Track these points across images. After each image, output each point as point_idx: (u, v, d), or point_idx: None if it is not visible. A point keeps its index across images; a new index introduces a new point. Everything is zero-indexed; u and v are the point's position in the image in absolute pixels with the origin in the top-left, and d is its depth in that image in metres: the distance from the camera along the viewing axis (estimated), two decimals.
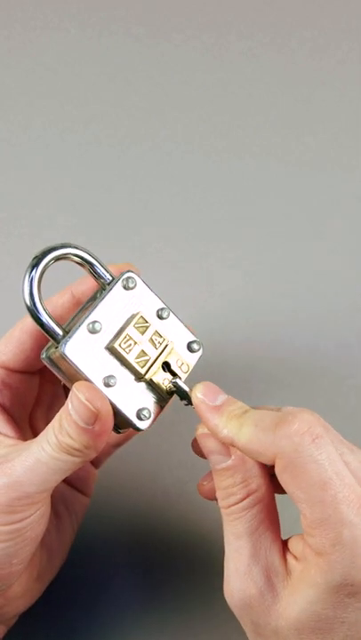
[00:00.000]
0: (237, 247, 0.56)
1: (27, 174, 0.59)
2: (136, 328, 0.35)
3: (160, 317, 0.36)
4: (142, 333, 0.35)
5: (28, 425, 0.40)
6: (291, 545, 0.32)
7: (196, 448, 0.35)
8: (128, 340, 0.34)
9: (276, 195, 0.58)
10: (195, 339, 0.37)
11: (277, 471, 0.30)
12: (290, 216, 0.57)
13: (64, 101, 0.62)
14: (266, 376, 0.50)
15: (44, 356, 0.34)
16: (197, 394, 0.33)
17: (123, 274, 0.35)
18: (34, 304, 0.34)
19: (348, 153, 0.60)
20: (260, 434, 0.31)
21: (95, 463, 0.42)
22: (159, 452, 0.46)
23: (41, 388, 0.40)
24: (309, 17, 0.66)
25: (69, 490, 0.40)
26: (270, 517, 0.33)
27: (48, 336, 0.34)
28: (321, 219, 0.57)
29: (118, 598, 0.42)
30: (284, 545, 0.33)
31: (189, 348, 0.36)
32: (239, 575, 0.32)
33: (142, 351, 0.34)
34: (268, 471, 0.33)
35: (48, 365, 0.34)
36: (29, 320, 0.36)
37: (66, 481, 0.40)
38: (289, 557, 0.32)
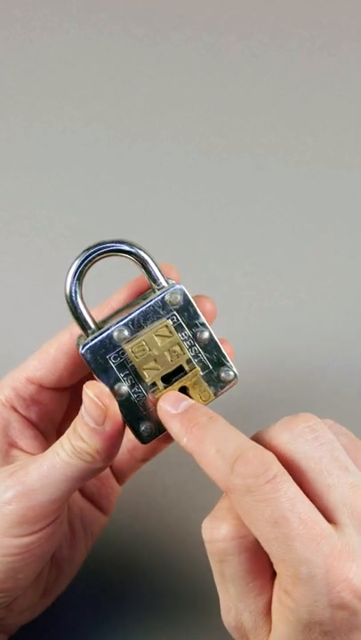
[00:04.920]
0: (237, 247, 0.56)
1: (27, 174, 0.59)
2: (156, 336, 0.34)
3: (197, 338, 0.35)
4: (161, 343, 0.34)
5: (56, 439, 0.39)
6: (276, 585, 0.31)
7: None
8: (142, 346, 0.34)
9: (275, 194, 0.58)
10: (229, 367, 0.35)
11: (232, 503, 0.30)
12: (290, 216, 0.57)
13: (64, 101, 0.62)
14: (265, 377, 0.50)
15: (76, 343, 0.35)
16: (160, 403, 0.33)
17: (170, 286, 0.35)
18: (73, 294, 0.34)
19: (348, 153, 0.60)
20: (218, 462, 0.30)
21: (120, 479, 0.41)
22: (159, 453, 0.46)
23: (71, 401, 0.39)
24: (309, 17, 0.66)
25: (90, 508, 0.40)
26: (260, 563, 0.31)
27: (80, 328, 0.34)
28: (321, 218, 0.57)
29: (117, 598, 0.42)
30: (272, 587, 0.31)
31: (219, 376, 0.35)
32: (230, 615, 0.31)
33: (154, 360, 0.34)
34: None
35: (79, 353, 0.35)
36: (66, 338, 0.36)
37: (88, 498, 0.40)
38: (274, 601, 0.31)
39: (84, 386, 0.33)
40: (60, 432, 0.40)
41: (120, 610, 0.42)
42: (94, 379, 0.35)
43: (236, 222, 0.57)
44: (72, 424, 0.34)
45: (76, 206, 0.57)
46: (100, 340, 0.33)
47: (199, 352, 0.35)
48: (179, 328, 0.34)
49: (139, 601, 0.42)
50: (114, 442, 0.33)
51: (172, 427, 0.32)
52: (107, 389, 0.33)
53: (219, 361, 0.35)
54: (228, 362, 0.35)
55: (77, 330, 0.36)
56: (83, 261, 0.35)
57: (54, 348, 0.37)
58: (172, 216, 0.57)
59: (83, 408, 0.33)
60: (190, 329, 0.35)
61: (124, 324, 0.34)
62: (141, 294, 0.36)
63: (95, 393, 0.33)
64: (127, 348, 0.33)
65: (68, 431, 0.33)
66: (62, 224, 0.57)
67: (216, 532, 0.31)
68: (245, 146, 0.60)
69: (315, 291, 0.54)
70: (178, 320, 0.35)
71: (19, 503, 0.33)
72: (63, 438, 0.34)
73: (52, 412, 0.38)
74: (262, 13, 0.66)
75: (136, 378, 0.34)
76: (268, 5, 0.66)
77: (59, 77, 0.63)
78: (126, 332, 0.34)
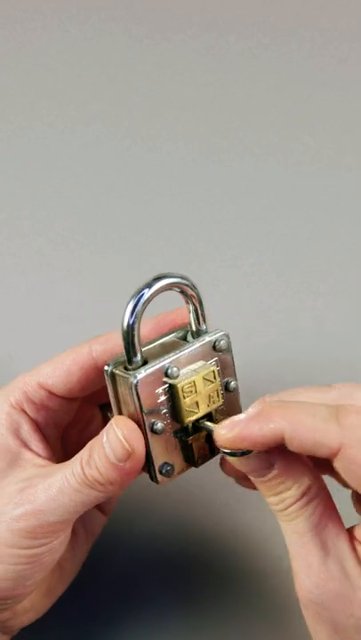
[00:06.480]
0: (237, 247, 0.56)
1: (27, 174, 0.59)
2: (203, 379, 0.34)
3: (227, 389, 0.35)
4: (205, 386, 0.34)
5: (60, 443, 0.39)
6: (358, 533, 0.32)
7: (228, 468, 0.34)
8: (191, 387, 0.33)
9: (275, 194, 0.58)
10: None
11: (342, 463, 0.30)
12: (290, 216, 0.57)
13: (64, 101, 0.62)
14: (266, 376, 0.50)
15: (108, 368, 0.34)
16: (221, 430, 0.31)
17: (218, 331, 0.35)
18: (133, 323, 0.32)
19: (348, 153, 0.60)
20: (320, 424, 0.30)
21: None
22: None
23: (79, 408, 0.39)
24: (309, 17, 0.66)
25: (91, 509, 0.40)
26: (329, 508, 0.32)
27: (126, 356, 0.33)
28: (321, 219, 0.57)
29: (118, 598, 0.42)
30: (350, 534, 0.32)
31: None
32: (313, 570, 0.31)
33: (196, 403, 0.34)
34: (314, 464, 0.33)
35: (106, 377, 0.34)
36: (84, 352, 0.36)
37: None
38: (358, 546, 0.31)
39: (113, 421, 0.33)
40: (65, 435, 0.39)
41: (121, 610, 0.42)
42: (107, 398, 0.34)
43: (236, 222, 0.57)
44: (87, 449, 0.33)
45: (76, 206, 0.57)
46: (155, 374, 0.33)
47: (224, 401, 0.35)
48: (219, 374, 0.35)
49: (139, 601, 0.42)
50: (131, 477, 0.33)
51: (249, 426, 0.31)
52: (138, 432, 0.32)
53: (238, 411, 0.36)
54: (241, 411, 0.36)
55: (98, 347, 0.36)
56: (144, 293, 0.33)
57: (71, 359, 0.36)
58: (172, 216, 0.57)
59: (105, 439, 0.32)
60: (224, 377, 0.35)
61: (175, 361, 0.33)
62: (172, 330, 0.36)
63: (124, 435, 0.32)
64: (180, 386, 0.33)
65: (83, 457, 0.33)
66: (62, 224, 0.57)
67: (288, 499, 0.32)
68: (245, 146, 0.60)
69: (315, 291, 0.54)
70: (219, 366, 0.35)
71: (27, 521, 0.33)
72: (75, 464, 0.33)
73: (60, 417, 0.38)
74: (262, 13, 0.66)
75: (174, 417, 0.34)
76: (268, 5, 0.66)
77: (59, 77, 0.63)
78: (176, 369, 0.33)
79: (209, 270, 0.54)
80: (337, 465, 0.30)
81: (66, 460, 0.34)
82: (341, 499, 0.34)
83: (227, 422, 0.31)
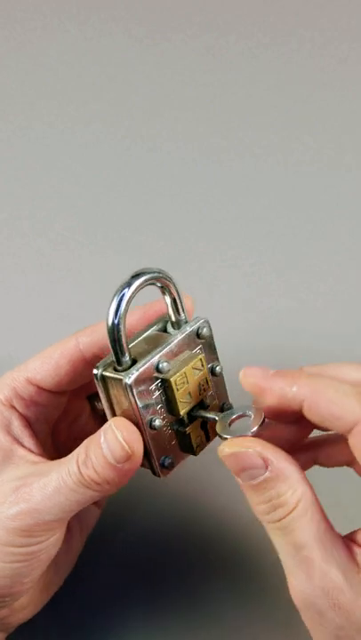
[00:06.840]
0: (237, 247, 0.56)
1: (27, 174, 0.59)
2: (193, 368, 0.34)
3: (213, 374, 0.35)
4: (195, 375, 0.34)
5: (51, 439, 0.39)
6: (359, 537, 0.31)
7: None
8: (183, 379, 0.33)
9: (275, 194, 0.58)
10: (230, 404, 0.36)
11: (356, 440, 0.30)
12: (290, 216, 0.57)
13: (64, 101, 0.62)
14: None
15: (97, 372, 0.33)
16: (248, 370, 0.32)
17: (199, 319, 0.35)
18: (118, 323, 0.32)
19: (348, 153, 0.60)
20: (343, 398, 0.30)
21: None
22: None
23: (68, 402, 0.39)
24: (309, 17, 0.66)
25: None
26: (324, 516, 0.31)
27: (114, 356, 0.33)
28: (321, 219, 0.57)
29: (117, 598, 0.42)
30: (351, 539, 0.32)
31: (222, 410, 0.36)
32: (314, 581, 0.30)
33: (189, 393, 0.34)
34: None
35: (96, 381, 0.33)
36: (71, 345, 0.36)
37: None
38: (356, 549, 0.31)
39: (112, 422, 0.32)
40: (56, 429, 0.40)
41: (118, 602, 0.42)
42: (95, 388, 0.34)
43: (235, 222, 0.57)
44: (83, 448, 0.33)
45: (76, 206, 0.57)
46: (146, 372, 0.32)
47: (213, 385, 0.35)
48: (205, 361, 0.35)
49: (136, 593, 0.42)
50: (128, 476, 0.33)
51: (274, 382, 0.32)
52: (136, 433, 0.32)
53: (224, 393, 0.36)
54: (228, 398, 0.36)
55: (85, 339, 0.36)
56: (125, 292, 0.32)
57: (58, 353, 0.36)
58: (172, 216, 0.57)
59: (103, 439, 0.32)
60: (209, 362, 0.35)
61: (164, 355, 0.33)
62: (152, 324, 0.36)
63: (124, 437, 0.32)
64: (172, 379, 0.33)
65: (79, 455, 0.33)
66: (62, 224, 0.57)
67: (282, 507, 0.31)
68: (245, 146, 0.60)
69: (315, 290, 0.54)
70: (204, 353, 0.35)
71: (22, 520, 0.33)
72: (71, 463, 0.33)
73: (49, 412, 0.38)
74: (262, 13, 0.66)
75: (169, 410, 0.34)
76: (268, 5, 0.66)
77: (59, 77, 0.63)
78: (166, 364, 0.33)
79: (209, 270, 0.55)
80: (351, 441, 0.30)
81: (57, 455, 0.34)
82: (335, 504, 0.34)
83: (252, 369, 0.32)
